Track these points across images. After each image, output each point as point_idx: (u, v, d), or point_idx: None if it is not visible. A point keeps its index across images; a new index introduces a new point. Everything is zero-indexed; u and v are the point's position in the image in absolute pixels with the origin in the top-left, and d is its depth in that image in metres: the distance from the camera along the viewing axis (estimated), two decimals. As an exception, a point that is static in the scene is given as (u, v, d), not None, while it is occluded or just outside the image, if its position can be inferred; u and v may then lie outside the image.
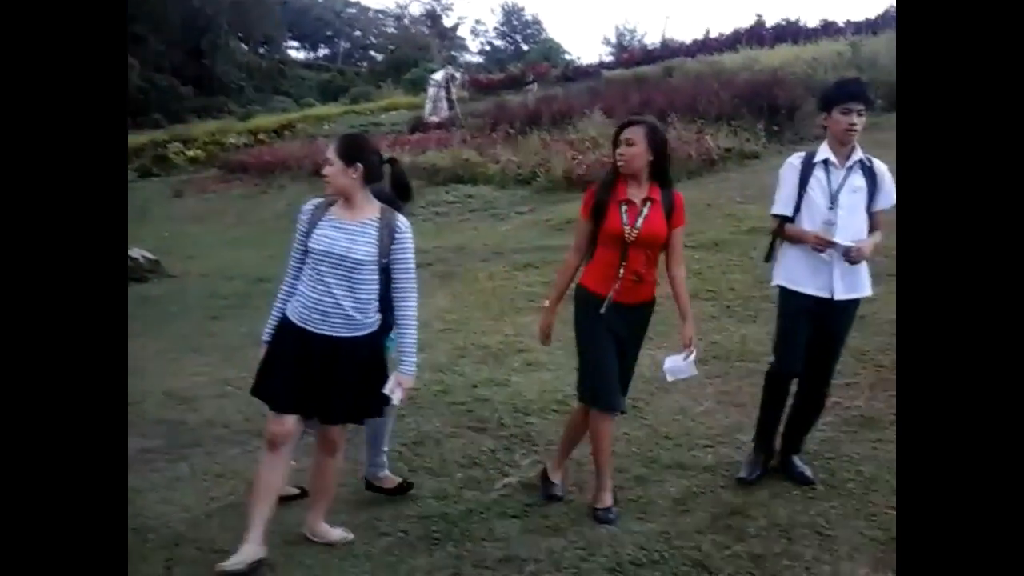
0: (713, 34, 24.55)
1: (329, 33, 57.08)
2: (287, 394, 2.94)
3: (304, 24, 53.94)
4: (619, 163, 3.16)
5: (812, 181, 3.29)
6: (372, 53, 56.14)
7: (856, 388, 4.31)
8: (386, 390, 2.95)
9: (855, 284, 3.31)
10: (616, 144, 3.19)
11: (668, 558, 2.95)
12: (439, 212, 11.36)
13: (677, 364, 3.22)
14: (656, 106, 13.54)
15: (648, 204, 3.15)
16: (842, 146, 3.27)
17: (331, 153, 2.92)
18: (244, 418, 4.55)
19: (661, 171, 3.19)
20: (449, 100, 19.43)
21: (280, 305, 3.02)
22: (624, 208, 3.14)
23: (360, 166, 2.90)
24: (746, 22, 24.08)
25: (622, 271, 3.13)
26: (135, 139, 25.42)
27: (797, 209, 3.31)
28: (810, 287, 3.30)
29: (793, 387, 3.51)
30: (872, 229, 3.32)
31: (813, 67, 13.53)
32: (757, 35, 21.19)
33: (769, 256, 3.52)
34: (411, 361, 3.00)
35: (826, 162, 3.29)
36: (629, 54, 27.38)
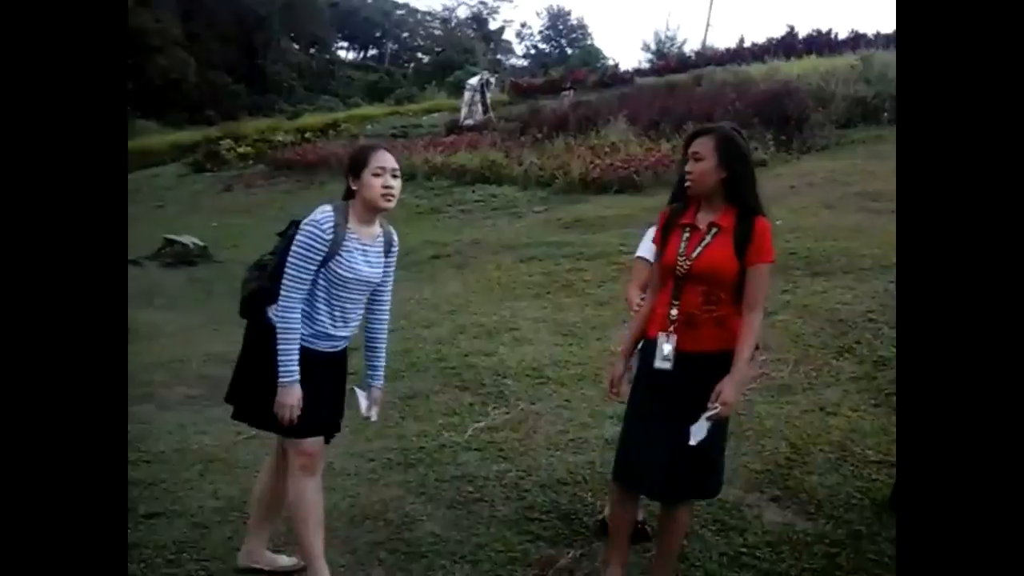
0: (748, 43, 25.14)
1: (377, 34, 58.66)
2: None
3: (353, 25, 55.58)
4: (686, 182, 2.60)
5: None
6: (419, 55, 57.52)
7: (784, 363, 5.01)
8: None
9: None
10: (684, 158, 2.63)
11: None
12: (464, 210, 12.20)
13: (700, 423, 2.50)
14: (676, 114, 14.22)
15: (714, 231, 2.55)
16: None
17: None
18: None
19: (737, 192, 2.55)
20: (484, 104, 20.23)
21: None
22: (686, 234, 2.59)
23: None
24: (781, 32, 24.43)
25: (675, 312, 2.56)
26: (190, 135, 26.87)
27: None
28: None
29: None
30: None
31: (826, 79, 14.07)
32: (788, 45, 21.72)
33: None
34: None
35: None
36: (665, 61, 27.96)
